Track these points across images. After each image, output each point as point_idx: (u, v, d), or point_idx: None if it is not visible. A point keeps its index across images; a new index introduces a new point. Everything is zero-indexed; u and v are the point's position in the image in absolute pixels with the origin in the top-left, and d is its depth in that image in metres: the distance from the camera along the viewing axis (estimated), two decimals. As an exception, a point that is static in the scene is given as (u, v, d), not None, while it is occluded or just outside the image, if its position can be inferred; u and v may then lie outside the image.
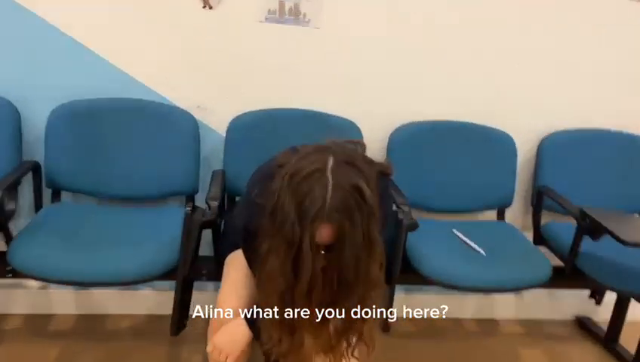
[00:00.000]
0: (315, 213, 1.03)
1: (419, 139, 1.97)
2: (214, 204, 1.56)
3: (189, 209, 1.49)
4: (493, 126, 2.04)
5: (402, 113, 1.99)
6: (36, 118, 1.79)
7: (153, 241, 1.60)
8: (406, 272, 1.69)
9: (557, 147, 2.04)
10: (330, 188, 1.04)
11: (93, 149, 1.80)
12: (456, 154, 2.01)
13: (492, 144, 2.03)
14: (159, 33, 1.82)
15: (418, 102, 2.01)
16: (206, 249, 1.76)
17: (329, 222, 1.04)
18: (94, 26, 1.79)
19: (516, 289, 1.71)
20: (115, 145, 1.82)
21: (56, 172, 1.79)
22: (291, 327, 1.16)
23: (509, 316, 2.33)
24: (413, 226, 1.58)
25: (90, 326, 2.00)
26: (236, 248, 1.44)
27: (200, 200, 1.82)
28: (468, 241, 1.84)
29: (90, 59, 1.80)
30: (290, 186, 1.06)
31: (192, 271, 1.58)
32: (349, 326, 1.17)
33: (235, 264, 1.41)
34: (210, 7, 1.80)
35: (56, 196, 1.84)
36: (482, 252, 1.78)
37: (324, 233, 1.06)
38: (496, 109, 2.05)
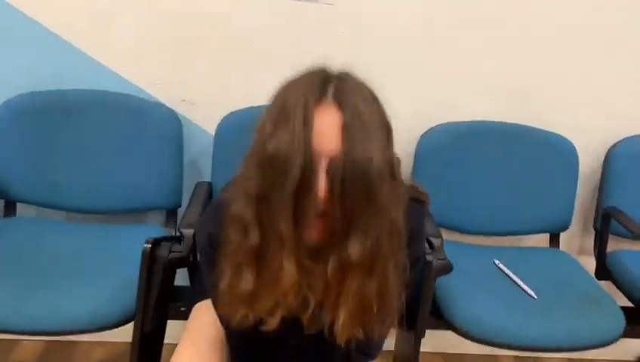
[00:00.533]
0: (311, 88, 0.76)
1: (454, 144, 1.68)
2: (189, 233, 1.23)
3: (149, 246, 1.14)
4: (548, 129, 1.71)
5: (433, 111, 1.69)
6: (-16, 113, 1.54)
7: (112, 277, 1.31)
8: (432, 316, 1.37)
9: (630, 157, 1.71)
10: (335, 80, 0.79)
11: (53, 152, 1.56)
12: (501, 164, 1.70)
13: (547, 152, 1.70)
14: (134, 8, 1.55)
15: (453, 97, 1.70)
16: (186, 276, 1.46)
17: (334, 99, 0.75)
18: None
19: (576, 349, 1.36)
20: (79, 147, 1.58)
21: (7, 179, 1.54)
22: (259, 249, 0.79)
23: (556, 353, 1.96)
24: (446, 270, 1.22)
25: (59, 354, 1.76)
26: (204, 297, 1.11)
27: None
28: (514, 278, 1.50)
29: (46, 40, 1.53)
30: (279, 88, 0.80)
31: (156, 323, 1.24)
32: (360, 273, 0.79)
33: (201, 319, 1.09)
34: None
35: (10, 209, 1.58)
36: (532, 294, 1.43)
37: (327, 119, 0.74)
38: (552, 107, 1.72)
